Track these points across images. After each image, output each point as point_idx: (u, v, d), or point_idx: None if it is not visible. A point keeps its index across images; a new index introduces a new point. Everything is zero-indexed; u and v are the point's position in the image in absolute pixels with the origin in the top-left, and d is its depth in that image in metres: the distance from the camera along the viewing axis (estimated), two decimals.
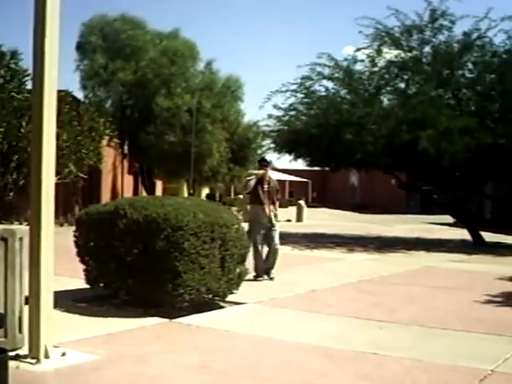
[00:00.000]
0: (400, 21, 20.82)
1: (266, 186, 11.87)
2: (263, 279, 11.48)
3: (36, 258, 5.81)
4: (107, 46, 30.58)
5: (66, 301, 8.26)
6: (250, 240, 10.57)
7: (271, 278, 11.52)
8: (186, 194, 33.75)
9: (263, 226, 11.65)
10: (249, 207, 12.33)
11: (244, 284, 9.20)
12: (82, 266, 8.68)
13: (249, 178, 12.35)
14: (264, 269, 11.60)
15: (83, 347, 6.28)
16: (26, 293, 5.92)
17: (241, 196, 38.55)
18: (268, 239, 11.72)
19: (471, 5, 21.26)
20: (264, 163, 12.22)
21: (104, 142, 23.97)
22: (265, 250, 11.85)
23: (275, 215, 11.91)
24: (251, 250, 10.56)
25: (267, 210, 11.67)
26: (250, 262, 10.26)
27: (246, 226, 10.56)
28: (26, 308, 5.92)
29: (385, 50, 21.43)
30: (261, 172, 12.04)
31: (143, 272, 7.95)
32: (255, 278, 11.32)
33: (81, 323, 7.40)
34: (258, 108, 25.53)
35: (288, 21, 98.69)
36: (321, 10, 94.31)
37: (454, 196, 23.22)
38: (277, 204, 12.14)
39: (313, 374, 5.80)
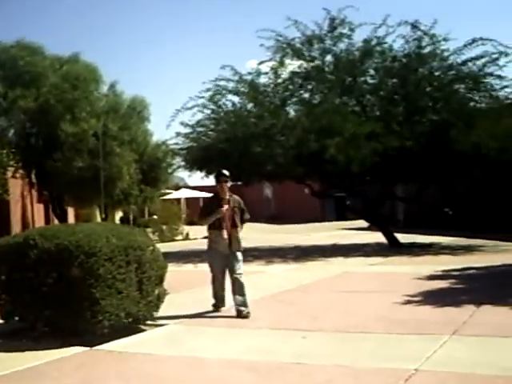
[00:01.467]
0: (300, 31, 21.18)
1: (225, 207, 9.84)
2: (222, 308, 10.00)
3: None
4: (5, 73, 29.76)
5: None
6: (210, 270, 10.03)
7: (243, 315, 9.34)
8: (98, 220, 33.21)
9: (221, 253, 9.77)
10: (207, 233, 10.22)
11: (165, 305, 9.04)
12: None
13: (204, 203, 11.14)
14: (223, 297, 10.01)
15: None
16: None
17: (155, 216, 38.27)
18: (229, 268, 9.81)
19: (369, 12, 21.80)
20: (222, 178, 10.03)
21: (9, 174, 23.39)
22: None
23: (237, 240, 9.86)
24: (210, 277, 10.05)
25: (225, 236, 9.73)
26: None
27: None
28: None
29: (287, 61, 21.71)
30: (219, 189, 10.05)
31: (60, 301, 7.73)
32: (214, 307, 9.99)
33: None
34: (166, 127, 25.38)
35: (190, 37, 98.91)
36: (222, 24, 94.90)
37: (366, 200, 23.61)
38: (240, 227, 10.02)
39: None
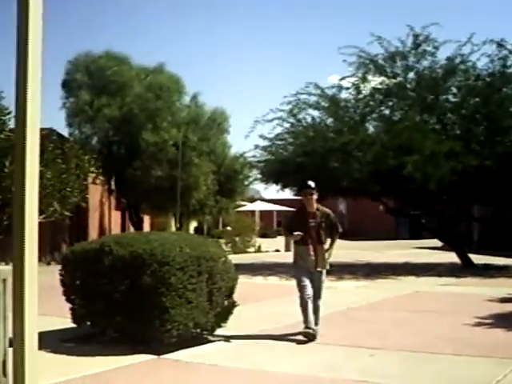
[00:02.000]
0: (383, 47, 21.06)
1: (311, 221, 9.10)
2: (312, 332, 8.79)
3: (19, 298, 5.73)
4: (92, 82, 30.59)
5: (53, 341, 8.17)
6: (297, 285, 9.06)
7: (310, 334, 8.71)
8: (173, 228, 33.63)
9: (307, 269, 9.07)
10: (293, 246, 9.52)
11: (233, 316, 9.10)
12: (68, 305, 8.60)
13: (289, 217, 10.23)
14: (313, 320, 8.93)
15: None
16: (11, 335, 5.84)
17: (228, 228, 38.52)
18: (313, 288, 9.05)
19: (453, 30, 21.54)
20: (307, 190, 9.19)
21: (90, 180, 23.95)
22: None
23: (323, 258, 9.10)
24: (298, 296, 9.04)
25: (311, 252, 9.02)
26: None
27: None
28: (10, 350, 5.84)
29: (369, 77, 21.60)
30: (305, 202, 9.29)
31: (130, 309, 7.88)
32: (305, 333, 8.77)
33: (68, 363, 7.30)
34: (244, 137, 25.53)
35: (272, 51, 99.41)
36: (306, 39, 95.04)
37: (441, 220, 23.27)
38: (328, 244, 9.28)
39: None
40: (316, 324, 8.94)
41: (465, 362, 7.37)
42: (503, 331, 9.31)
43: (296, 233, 8.99)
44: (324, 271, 9.16)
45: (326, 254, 9.13)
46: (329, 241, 9.27)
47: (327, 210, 9.33)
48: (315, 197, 9.18)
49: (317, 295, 9.07)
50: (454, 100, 21.49)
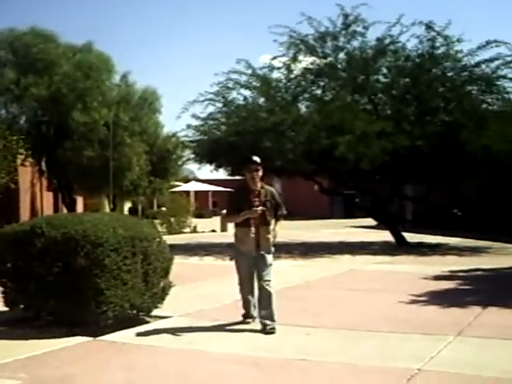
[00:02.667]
0: (314, 27, 21.10)
1: (255, 200, 8.17)
2: (252, 321, 8.43)
3: None
4: (18, 60, 29.80)
5: None
6: (237, 272, 8.44)
7: (267, 331, 7.84)
8: (107, 209, 33.24)
9: (247, 254, 8.18)
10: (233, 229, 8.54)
11: (169, 297, 9.03)
12: None
13: (230, 197, 8.97)
14: (250, 305, 8.50)
15: (3, 372, 6.06)
16: None
17: (163, 208, 38.27)
18: (256, 273, 8.24)
19: (383, 11, 21.74)
20: (252, 166, 8.23)
21: (18, 161, 23.43)
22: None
23: (267, 240, 8.19)
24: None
25: (252, 235, 8.13)
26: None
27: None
28: None
29: (300, 57, 21.65)
30: (248, 178, 8.30)
31: (65, 291, 7.73)
32: (243, 319, 8.53)
33: (0, 348, 7.13)
34: (176, 118, 25.18)
35: (204, 29, 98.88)
36: (236, 19, 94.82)
37: (375, 199, 23.58)
38: (274, 225, 8.36)
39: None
40: (272, 318, 7.94)
41: (400, 339, 7.47)
42: (437, 308, 9.48)
43: (243, 212, 8.05)
44: (270, 255, 8.18)
45: (271, 236, 8.16)
46: (273, 222, 8.32)
47: (271, 189, 8.45)
48: (260, 173, 8.19)
49: (263, 278, 8.04)
50: (385, 80, 21.74)
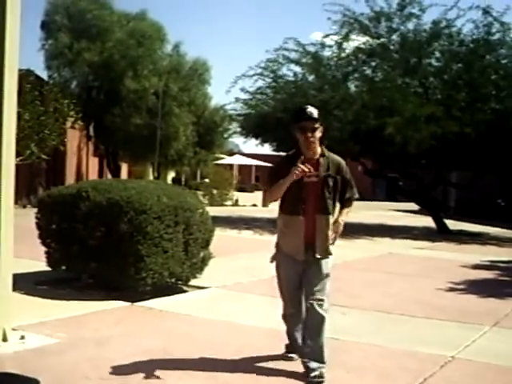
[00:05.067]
0: (369, 7, 20.87)
1: (310, 175, 5.31)
2: (296, 358, 5.69)
3: None
4: (72, 25, 30.09)
5: (27, 283, 8.17)
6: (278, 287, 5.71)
7: (311, 380, 5.20)
8: (151, 178, 33.54)
9: (294, 257, 5.45)
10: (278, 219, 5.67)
11: (208, 268, 9.12)
12: (43, 249, 8.56)
13: (273, 168, 5.77)
14: (300, 339, 5.64)
15: (43, 330, 6.21)
16: None
17: (206, 180, 38.44)
18: (304, 286, 5.49)
19: None
20: (307, 122, 5.35)
21: (68, 124, 23.75)
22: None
23: (324, 238, 5.44)
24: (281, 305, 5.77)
25: (302, 228, 5.39)
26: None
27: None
28: None
29: (353, 36, 21.46)
30: (301, 143, 5.41)
31: (106, 255, 7.87)
32: (285, 353, 5.85)
33: (41, 306, 7.30)
34: (225, 92, 25.34)
35: (258, 5, 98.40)
36: None
37: (419, 184, 23.39)
38: (337, 215, 5.59)
39: (274, 358, 5.78)
40: (318, 358, 5.31)
41: (435, 326, 7.46)
42: (474, 297, 9.43)
43: (283, 180, 5.22)
44: (328, 260, 5.46)
45: (331, 232, 5.42)
46: (337, 210, 5.59)
47: (338, 159, 5.53)
48: (319, 134, 5.37)
49: (314, 296, 5.31)
50: (437, 64, 21.45)
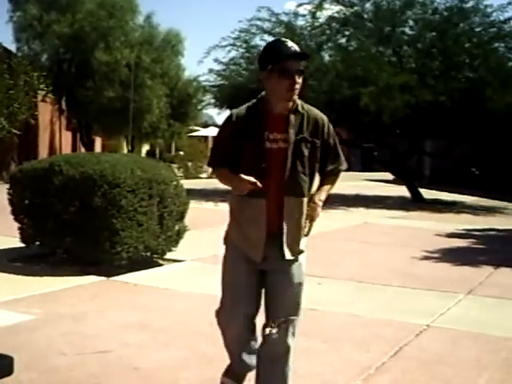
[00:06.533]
0: None
1: (277, 138, 3.73)
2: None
3: None
4: None
5: (0, 260, 8.09)
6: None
7: None
8: (125, 151, 33.35)
9: (247, 259, 3.83)
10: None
11: (183, 241, 9.08)
12: (17, 225, 8.47)
13: (224, 126, 3.92)
14: (245, 359, 4.00)
15: (18, 307, 6.16)
16: None
17: (181, 152, 38.29)
18: (266, 301, 3.91)
19: None
20: (292, 61, 3.69)
21: (39, 98, 23.44)
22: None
23: (299, 231, 3.83)
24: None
25: (263, 216, 3.74)
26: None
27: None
28: None
29: (326, 5, 21.36)
30: (281, 90, 3.68)
31: (81, 229, 7.80)
32: (225, 373, 4.09)
33: (16, 283, 7.25)
34: (198, 63, 25.24)
35: None
36: None
37: (393, 153, 23.43)
38: (319, 192, 3.91)
39: None
40: None
41: (410, 294, 7.51)
42: (449, 266, 9.49)
43: (244, 176, 3.58)
44: (301, 262, 3.91)
45: (304, 221, 3.83)
46: (315, 186, 3.95)
47: (318, 114, 3.91)
48: (300, 81, 3.72)
49: (281, 314, 3.82)
50: (411, 33, 21.44)
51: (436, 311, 6.61)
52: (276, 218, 3.74)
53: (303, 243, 3.90)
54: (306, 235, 3.90)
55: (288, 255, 3.78)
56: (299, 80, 3.72)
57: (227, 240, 4.04)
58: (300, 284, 3.87)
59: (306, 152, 3.77)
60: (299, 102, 3.80)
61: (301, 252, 3.90)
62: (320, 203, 3.87)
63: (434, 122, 19.83)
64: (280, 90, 3.69)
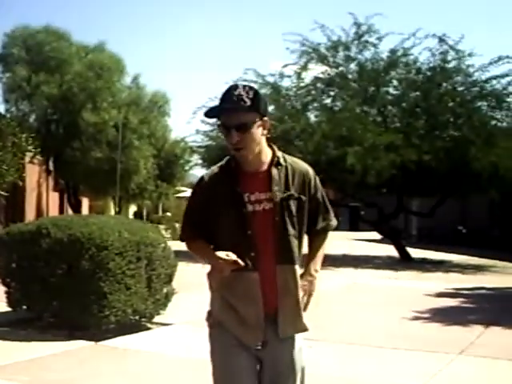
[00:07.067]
0: (326, 36, 21.15)
1: (256, 198, 3.23)
2: None
3: None
4: (30, 58, 29.93)
5: None
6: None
7: None
8: (112, 212, 33.31)
9: (245, 348, 3.25)
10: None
11: (171, 304, 8.99)
12: (2, 288, 8.37)
13: (193, 193, 3.48)
14: None
15: (4, 374, 6.06)
16: None
17: (168, 213, 38.20)
18: None
19: (396, 22, 21.78)
20: (226, 114, 3.20)
21: (27, 159, 23.47)
22: None
23: (296, 305, 3.33)
24: None
25: (258, 291, 3.21)
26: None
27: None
28: None
29: (311, 65, 21.71)
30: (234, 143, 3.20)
31: (68, 293, 7.72)
32: None
33: (2, 348, 7.13)
34: (186, 123, 25.39)
35: (215, 35, 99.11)
36: (248, 24, 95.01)
37: (380, 212, 23.52)
38: (313, 259, 3.56)
39: None
40: None
41: (402, 356, 7.44)
42: (439, 326, 9.42)
43: (221, 253, 3.14)
44: (297, 339, 3.37)
45: (301, 291, 3.42)
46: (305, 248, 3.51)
47: (303, 166, 3.49)
48: (257, 132, 3.26)
49: None
50: (395, 93, 21.81)
51: (428, 372, 6.55)
52: (271, 292, 3.22)
53: (303, 318, 3.35)
54: (304, 310, 3.40)
55: (286, 333, 3.26)
56: (245, 134, 3.16)
57: (213, 323, 3.41)
58: (302, 369, 3.35)
59: (294, 210, 3.28)
60: (279, 153, 3.37)
61: (305, 329, 3.37)
62: (316, 275, 3.54)
63: (420, 180, 19.98)
64: (227, 146, 3.28)
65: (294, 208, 3.27)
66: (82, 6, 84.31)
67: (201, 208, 3.34)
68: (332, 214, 3.59)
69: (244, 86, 3.22)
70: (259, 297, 3.21)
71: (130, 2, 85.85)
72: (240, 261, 3.08)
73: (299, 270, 3.41)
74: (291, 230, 3.27)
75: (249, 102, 3.16)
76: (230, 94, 3.18)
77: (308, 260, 3.52)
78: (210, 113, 3.34)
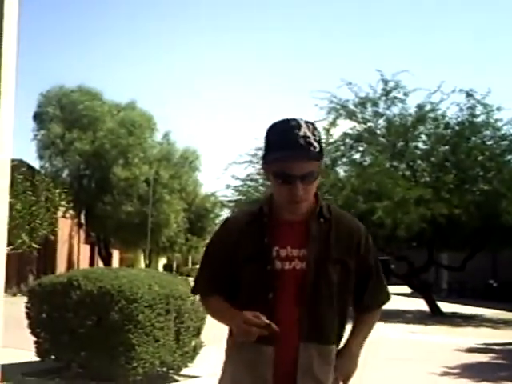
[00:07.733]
0: (354, 92, 21.33)
1: (292, 255, 2.61)
2: None
3: None
4: (64, 116, 30.69)
5: (15, 374, 8.02)
6: None
7: None
8: (142, 264, 33.52)
9: None
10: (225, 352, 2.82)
11: (199, 357, 9.01)
12: (32, 338, 8.47)
13: (212, 242, 2.86)
14: None
15: None
16: None
17: (198, 266, 38.35)
18: None
19: (423, 76, 21.95)
20: (289, 158, 2.54)
21: (60, 213, 23.84)
22: None
23: None
24: None
25: (269, 376, 2.57)
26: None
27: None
28: None
29: (340, 121, 21.86)
30: (281, 194, 2.64)
31: (96, 344, 7.77)
32: None
33: None
34: (216, 178, 25.77)
35: (244, 92, 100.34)
36: (278, 82, 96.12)
37: (410, 266, 23.38)
38: (355, 337, 2.88)
39: None
40: None
41: None
42: (469, 382, 9.32)
43: (249, 313, 2.46)
44: None
45: (335, 373, 2.72)
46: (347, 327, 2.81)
47: (353, 222, 2.92)
48: (316, 183, 2.71)
49: None
50: (424, 147, 21.84)
51: None
52: (287, 376, 2.57)
53: None
54: None
55: None
56: (308, 185, 2.62)
57: None
58: None
59: (334, 278, 2.63)
60: (323, 203, 2.75)
61: None
62: (359, 353, 2.90)
63: (450, 234, 19.88)
64: (280, 196, 2.64)
65: (333, 274, 2.63)
66: (114, 67, 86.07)
67: (221, 257, 2.72)
68: (386, 287, 2.92)
69: (307, 124, 2.58)
70: (268, 379, 2.57)
71: (158, 62, 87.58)
72: (274, 325, 2.42)
73: (334, 352, 2.72)
74: (325, 300, 2.62)
75: (318, 147, 2.56)
76: (293, 135, 2.53)
77: (349, 336, 2.85)
78: (269, 160, 2.63)
